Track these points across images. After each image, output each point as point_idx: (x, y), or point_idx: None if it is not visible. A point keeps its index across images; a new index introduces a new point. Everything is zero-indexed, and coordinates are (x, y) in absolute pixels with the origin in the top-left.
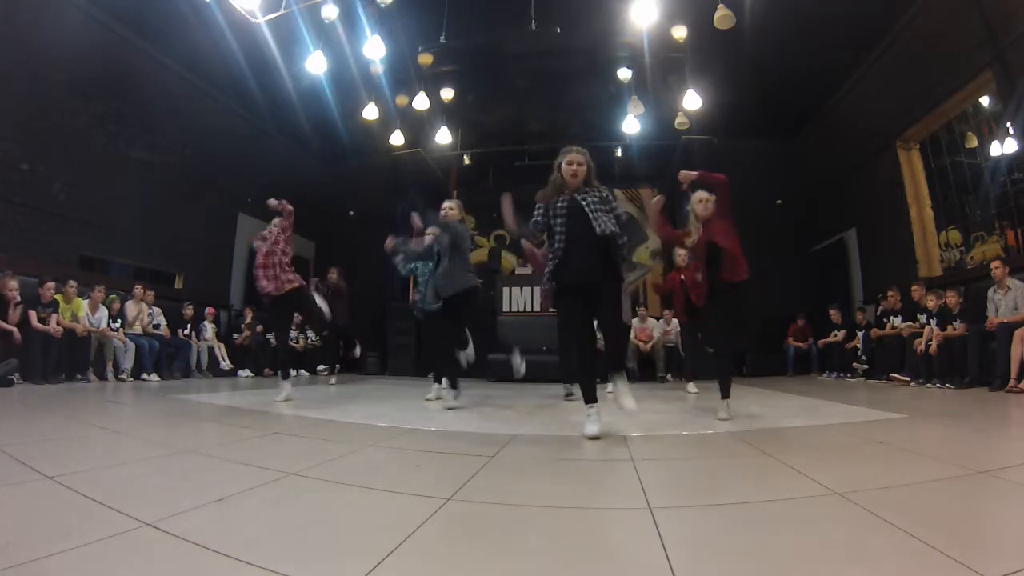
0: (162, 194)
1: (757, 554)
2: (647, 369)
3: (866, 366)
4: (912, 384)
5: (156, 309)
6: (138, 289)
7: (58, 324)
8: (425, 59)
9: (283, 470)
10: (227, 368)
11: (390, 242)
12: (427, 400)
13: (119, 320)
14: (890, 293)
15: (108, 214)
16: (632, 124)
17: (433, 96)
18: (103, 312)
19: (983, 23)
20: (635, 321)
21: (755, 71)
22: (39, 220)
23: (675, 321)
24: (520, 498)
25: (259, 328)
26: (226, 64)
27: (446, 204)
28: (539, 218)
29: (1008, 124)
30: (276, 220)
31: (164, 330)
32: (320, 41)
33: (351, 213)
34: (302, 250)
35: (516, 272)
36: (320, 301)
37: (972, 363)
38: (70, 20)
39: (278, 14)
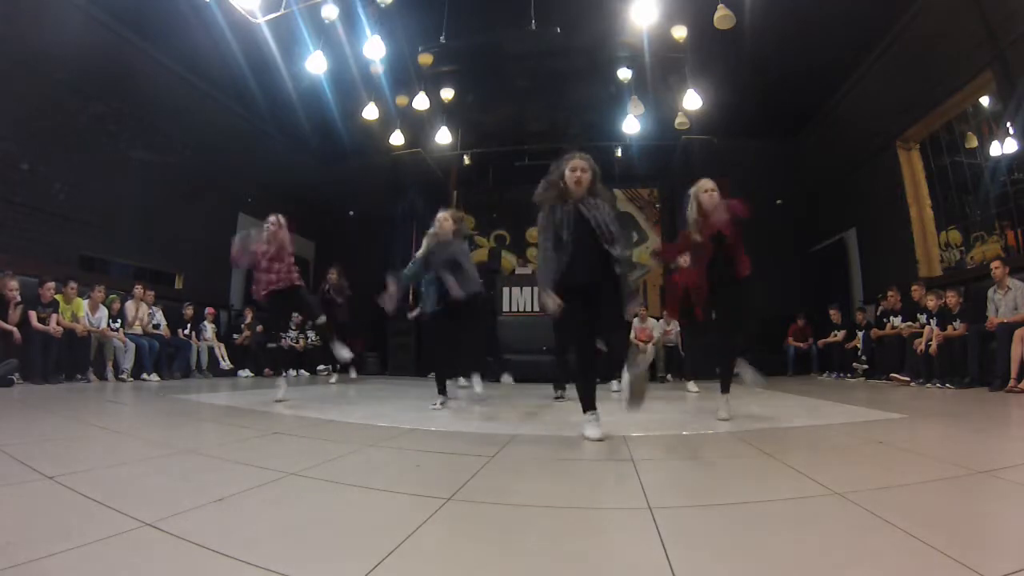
0: (162, 194)
1: (757, 554)
2: (647, 369)
3: (866, 366)
4: (912, 384)
5: (156, 309)
6: (138, 289)
7: (58, 324)
8: (425, 59)
9: (283, 470)
10: (227, 368)
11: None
12: (433, 408)
13: (119, 320)
14: (890, 293)
15: (108, 214)
16: (632, 124)
17: (433, 96)
18: (103, 312)
19: (983, 23)
20: (635, 321)
21: (755, 71)
22: (39, 220)
23: (675, 321)
24: (520, 498)
25: (259, 328)
26: (226, 64)
27: (440, 215)
28: (545, 222)
29: (1008, 124)
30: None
31: (164, 330)
32: (320, 41)
33: (351, 213)
34: (302, 250)
35: (516, 272)
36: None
37: (972, 363)
38: (70, 20)
39: (278, 14)
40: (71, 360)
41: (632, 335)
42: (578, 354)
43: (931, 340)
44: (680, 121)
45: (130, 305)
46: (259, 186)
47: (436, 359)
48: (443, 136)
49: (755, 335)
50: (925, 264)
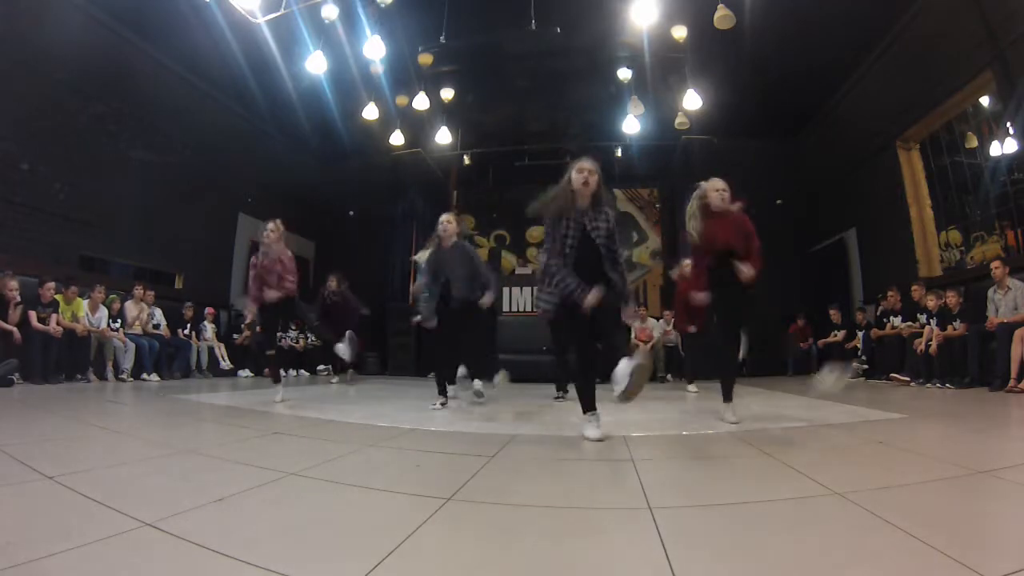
0: (162, 194)
1: (757, 554)
2: (648, 365)
3: (866, 366)
4: (912, 384)
5: (156, 309)
6: (138, 289)
7: (58, 324)
8: (425, 59)
9: (283, 470)
10: (227, 368)
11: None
12: (433, 408)
13: (119, 320)
14: (890, 293)
15: (108, 214)
16: (632, 124)
17: (433, 96)
18: (103, 312)
19: (983, 23)
20: (635, 321)
21: (755, 71)
22: (39, 220)
23: (675, 321)
24: (520, 498)
25: (259, 329)
26: (226, 64)
27: (444, 218)
28: (551, 231)
29: (1008, 124)
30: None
31: (164, 330)
32: (320, 41)
33: (351, 213)
34: (302, 250)
35: (516, 272)
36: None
37: (972, 363)
38: (70, 20)
39: (278, 14)
40: (71, 360)
41: (632, 336)
42: (577, 355)
43: (931, 340)
44: (680, 121)
45: (130, 305)
46: (259, 186)
47: (437, 359)
48: (443, 136)
49: (754, 336)
50: (925, 264)
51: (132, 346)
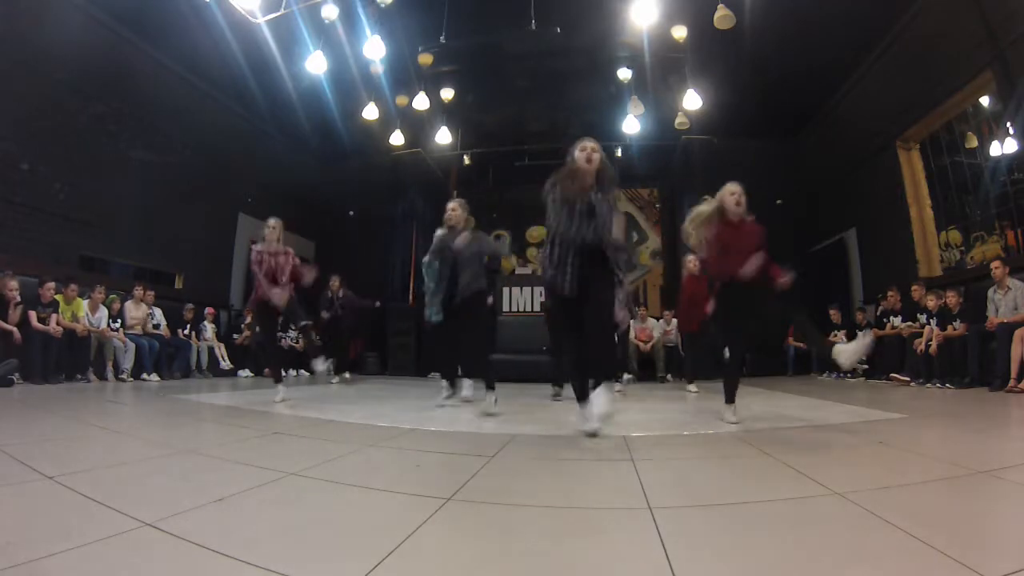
0: (162, 194)
1: (757, 554)
2: (647, 369)
3: (866, 366)
4: (912, 384)
5: (156, 309)
6: (138, 289)
7: (58, 324)
8: (425, 59)
9: (283, 470)
10: (227, 368)
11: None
12: (439, 406)
13: (119, 320)
14: (890, 293)
15: (108, 214)
16: (632, 124)
17: (433, 96)
18: (103, 312)
19: (983, 23)
20: (635, 321)
21: (755, 71)
22: (39, 220)
23: (675, 321)
24: (520, 498)
25: (258, 328)
26: (226, 64)
27: (450, 204)
28: (554, 214)
29: (1008, 124)
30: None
31: (164, 330)
32: (320, 41)
33: (351, 213)
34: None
35: (516, 272)
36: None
37: (972, 363)
38: (70, 20)
39: (278, 14)
40: (71, 360)
41: (632, 335)
42: (570, 350)
43: (931, 340)
44: (680, 121)
45: (130, 305)
46: (259, 186)
47: (437, 359)
48: (443, 136)
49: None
50: (925, 264)
51: (132, 346)
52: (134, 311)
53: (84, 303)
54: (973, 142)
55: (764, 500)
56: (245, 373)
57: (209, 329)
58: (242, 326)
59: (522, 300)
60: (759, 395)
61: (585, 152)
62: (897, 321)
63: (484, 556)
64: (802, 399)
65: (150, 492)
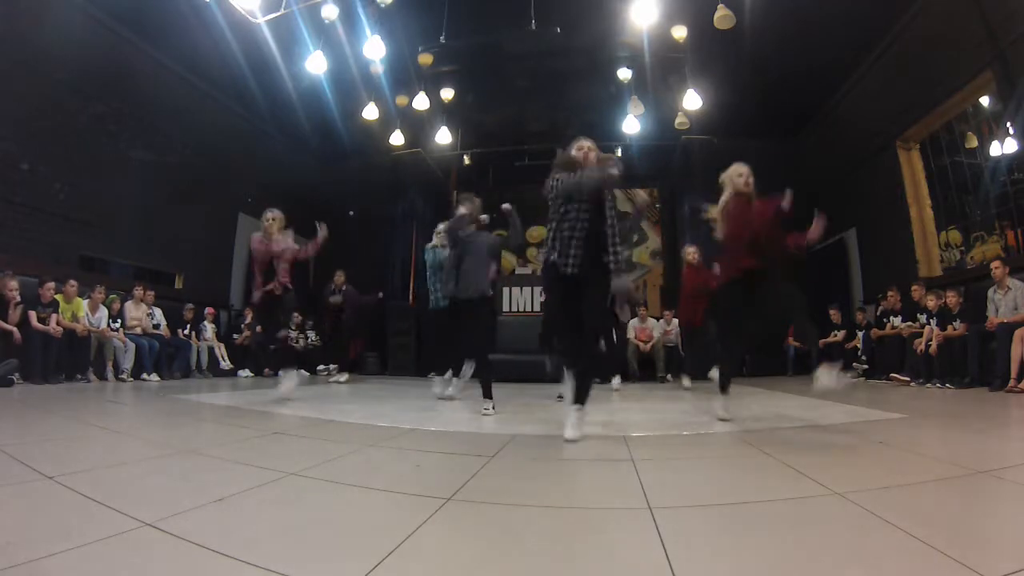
0: (162, 194)
1: (757, 554)
2: (647, 369)
3: (866, 366)
4: (912, 384)
5: (156, 309)
6: (138, 289)
7: (58, 324)
8: (425, 59)
9: (283, 470)
10: (227, 368)
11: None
12: (441, 399)
13: (119, 320)
14: (890, 293)
15: (108, 214)
16: (632, 124)
17: (433, 96)
18: (103, 312)
19: (983, 23)
20: (635, 321)
21: (755, 71)
22: (39, 220)
23: (675, 321)
24: (520, 498)
25: (258, 328)
26: (226, 64)
27: (460, 211)
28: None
29: (1008, 124)
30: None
31: (164, 330)
32: (320, 41)
33: (351, 213)
34: None
35: (516, 272)
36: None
37: (972, 363)
38: (70, 20)
39: (278, 14)
40: (71, 360)
41: (632, 335)
42: (566, 346)
43: (931, 340)
44: (680, 121)
45: (130, 305)
46: (259, 186)
47: (437, 356)
48: (443, 136)
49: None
50: (925, 264)
51: (132, 346)
52: (134, 311)
53: (84, 303)
54: (973, 142)
55: (764, 500)
56: (245, 373)
57: (209, 329)
58: (242, 326)
59: (522, 300)
60: (759, 395)
61: (581, 152)
62: (897, 321)
63: (484, 556)
64: (802, 399)
65: (150, 492)
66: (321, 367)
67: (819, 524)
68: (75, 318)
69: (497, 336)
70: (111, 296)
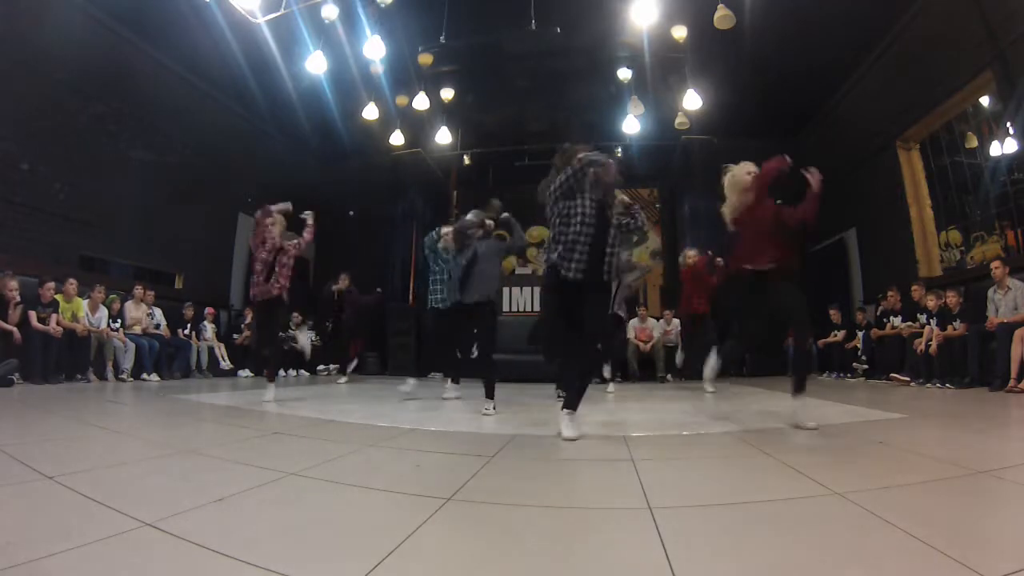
0: (162, 194)
1: (757, 554)
2: (647, 369)
3: (866, 366)
4: (912, 384)
5: (156, 309)
6: (138, 289)
7: (58, 324)
8: (425, 59)
9: (283, 470)
10: (227, 368)
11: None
12: (445, 398)
13: (119, 320)
14: (890, 293)
15: (108, 214)
16: (632, 124)
17: (433, 96)
18: (103, 312)
19: (983, 23)
20: (635, 321)
21: (755, 71)
22: (39, 220)
23: (675, 321)
24: (520, 498)
25: (257, 328)
26: (226, 64)
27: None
28: (554, 208)
29: (1008, 124)
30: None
31: (164, 330)
32: (320, 41)
33: (351, 213)
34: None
35: (516, 272)
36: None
37: (972, 363)
38: (70, 20)
39: (278, 14)
40: (71, 360)
41: (632, 335)
42: (566, 352)
43: (931, 340)
44: (680, 121)
45: (130, 305)
46: (259, 186)
47: (438, 356)
48: (443, 136)
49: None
50: (925, 264)
51: (132, 346)
52: (134, 311)
53: (84, 303)
54: (973, 142)
55: (764, 500)
56: (245, 373)
57: (209, 329)
58: (242, 326)
59: (522, 300)
60: (759, 395)
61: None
62: (897, 321)
63: (484, 556)
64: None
65: (150, 492)
66: (321, 367)
67: (819, 524)
68: (75, 318)
69: (497, 336)
70: (111, 296)
